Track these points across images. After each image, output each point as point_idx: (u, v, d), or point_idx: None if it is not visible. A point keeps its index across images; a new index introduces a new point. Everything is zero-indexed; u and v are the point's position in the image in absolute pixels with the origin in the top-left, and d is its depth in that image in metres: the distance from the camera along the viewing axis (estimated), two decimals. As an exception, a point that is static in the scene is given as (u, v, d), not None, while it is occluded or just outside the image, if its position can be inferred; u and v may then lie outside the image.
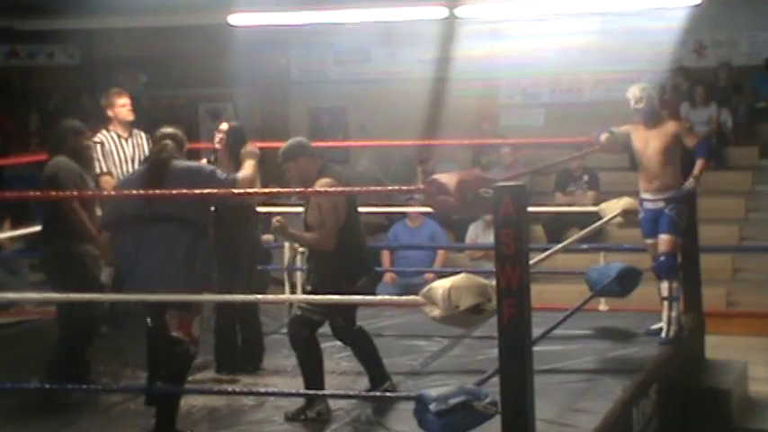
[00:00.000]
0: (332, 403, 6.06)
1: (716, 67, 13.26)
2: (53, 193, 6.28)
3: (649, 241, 7.45)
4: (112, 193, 6.81)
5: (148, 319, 5.97)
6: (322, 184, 5.96)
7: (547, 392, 5.76)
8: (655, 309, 7.49)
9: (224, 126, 7.04)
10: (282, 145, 6.24)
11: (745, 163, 12.60)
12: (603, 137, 7.51)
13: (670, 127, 7.33)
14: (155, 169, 5.79)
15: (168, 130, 6.01)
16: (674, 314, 7.33)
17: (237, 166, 6.53)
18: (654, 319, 7.46)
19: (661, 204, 7.30)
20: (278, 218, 6.06)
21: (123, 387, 6.70)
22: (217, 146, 6.99)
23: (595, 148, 7.77)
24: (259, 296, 6.92)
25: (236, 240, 6.85)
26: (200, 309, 5.74)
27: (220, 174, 5.90)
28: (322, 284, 6.01)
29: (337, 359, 6.88)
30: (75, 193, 6.34)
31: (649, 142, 7.28)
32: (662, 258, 7.30)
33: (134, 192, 5.72)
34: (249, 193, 6.31)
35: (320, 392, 5.98)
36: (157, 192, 5.59)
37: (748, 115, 12.98)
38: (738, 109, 13.00)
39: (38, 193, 6.60)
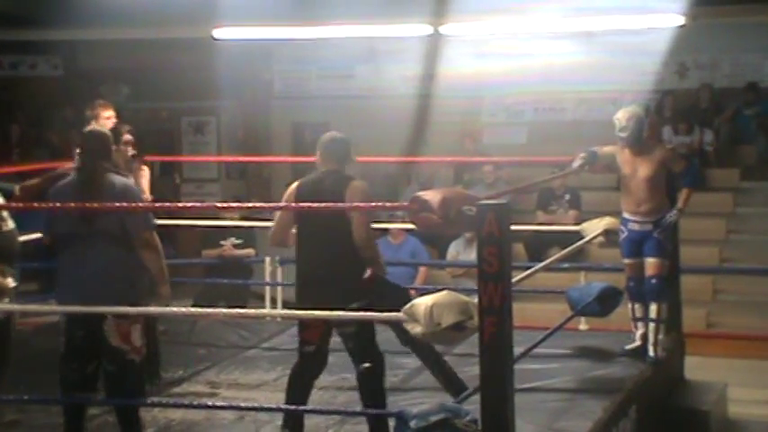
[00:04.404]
0: (310, 419, 5.98)
1: (698, 89, 13.32)
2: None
3: (627, 261, 7.45)
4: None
5: (80, 333, 5.57)
6: (359, 185, 5.87)
7: (527, 411, 5.74)
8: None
9: (129, 137, 7.19)
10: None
11: (726, 184, 12.64)
12: (576, 163, 7.48)
13: (658, 154, 7.30)
14: (91, 184, 5.55)
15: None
16: (660, 336, 7.35)
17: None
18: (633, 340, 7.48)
19: (649, 227, 7.30)
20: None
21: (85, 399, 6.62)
22: (131, 153, 7.14)
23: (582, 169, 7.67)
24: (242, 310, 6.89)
25: None
26: (138, 318, 5.55)
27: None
28: (353, 291, 5.77)
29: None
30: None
31: (637, 169, 7.25)
32: (653, 281, 7.31)
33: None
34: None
35: (300, 408, 5.91)
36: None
37: (729, 137, 13.04)
38: (720, 131, 13.05)
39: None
